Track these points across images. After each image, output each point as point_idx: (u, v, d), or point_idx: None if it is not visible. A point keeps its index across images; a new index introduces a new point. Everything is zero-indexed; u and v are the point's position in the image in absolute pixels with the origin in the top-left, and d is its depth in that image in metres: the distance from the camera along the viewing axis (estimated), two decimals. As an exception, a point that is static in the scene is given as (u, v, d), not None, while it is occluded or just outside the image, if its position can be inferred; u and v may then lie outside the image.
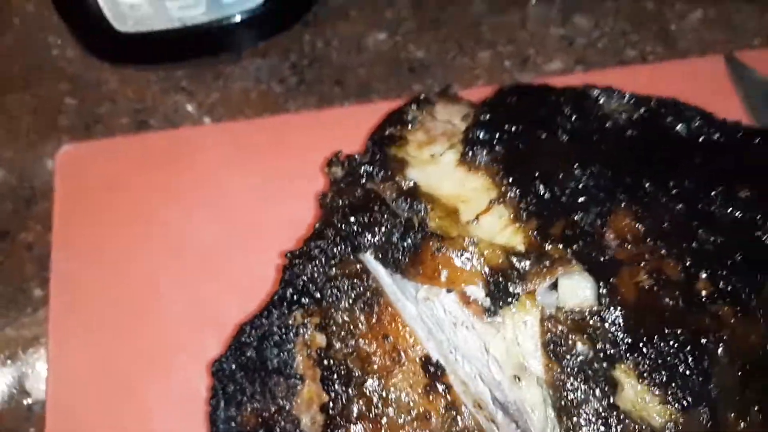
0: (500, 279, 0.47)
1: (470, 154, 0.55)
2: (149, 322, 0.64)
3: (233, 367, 0.51)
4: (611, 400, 0.44)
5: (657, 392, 0.44)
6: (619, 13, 0.83)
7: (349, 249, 0.51)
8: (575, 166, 0.53)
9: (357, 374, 0.48)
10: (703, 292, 0.47)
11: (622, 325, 0.45)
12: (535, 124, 0.56)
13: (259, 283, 0.62)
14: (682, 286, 0.47)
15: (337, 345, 0.49)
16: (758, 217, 0.51)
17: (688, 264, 0.48)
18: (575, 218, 0.50)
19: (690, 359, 0.44)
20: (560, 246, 0.49)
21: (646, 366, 0.44)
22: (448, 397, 0.47)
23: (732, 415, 0.43)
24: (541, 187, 0.52)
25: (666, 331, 0.45)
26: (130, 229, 0.69)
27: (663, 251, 0.48)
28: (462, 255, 0.48)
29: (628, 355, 0.45)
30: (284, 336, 0.51)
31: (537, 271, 0.47)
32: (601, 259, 0.48)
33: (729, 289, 0.47)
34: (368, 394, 0.47)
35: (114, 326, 0.64)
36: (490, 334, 0.47)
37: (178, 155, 0.72)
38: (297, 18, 0.84)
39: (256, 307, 0.53)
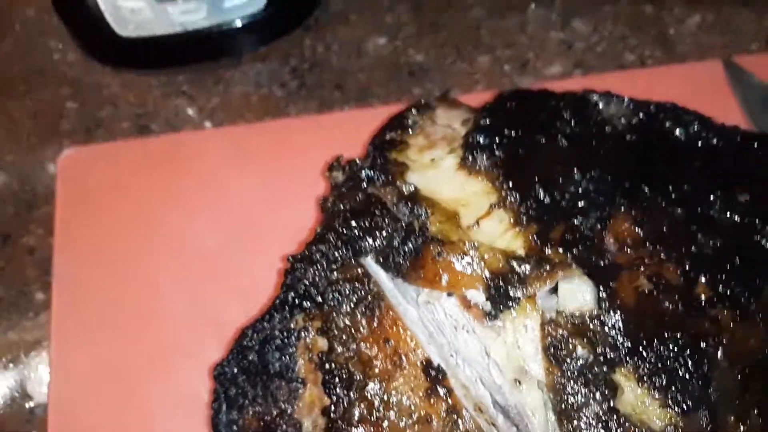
0: (501, 283, 0.48)
1: (470, 158, 0.55)
2: (151, 325, 0.64)
3: (235, 370, 0.51)
4: (611, 404, 0.44)
5: (657, 396, 0.44)
6: (618, 18, 0.83)
7: (351, 253, 0.52)
8: (575, 171, 0.53)
9: (358, 378, 0.48)
10: (703, 296, 0.47)
11: (622, 328, 0.46)
12: (535, 128, 0.56)
13: (260, 287, 0.62)
14: (682, 290, 0.47)
15: (339, 349, 0.49)
16: (757, 221, 0.51)
17: (687, 268, 0.48)
18: (575, 222, 0.51)
19: (690, 363, 0.44)
20: (560, 250, 0.49)
21: (646, 369, 0.44)
22: (449, 400, 0.48)
23: (732, 418, 0.44)
24: (541, 191, 0.52)
25: (666, 334, 0.45)
26: (131, 233, 0.69)
27: (662, 255, 0.49)
28: (462, 259, 0.49)
29: (628, 358, 0.45)
30: (286, 340, 0.51)
31: (537, 275, 0.48)
32: (601, 263, 0.49)
33: (728, 293, 0.47)
34: (369, 397, 0.48)
35: (116, 330, 0.64)
36: (490, 338, 0.47)
37: (180, 159, 0.73)
38: (297, 23, 0.84)
39: (257, 310, 0.54)
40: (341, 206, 0.54)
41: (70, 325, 0.65)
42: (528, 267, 0.48)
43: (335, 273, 0.51)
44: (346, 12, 0.85)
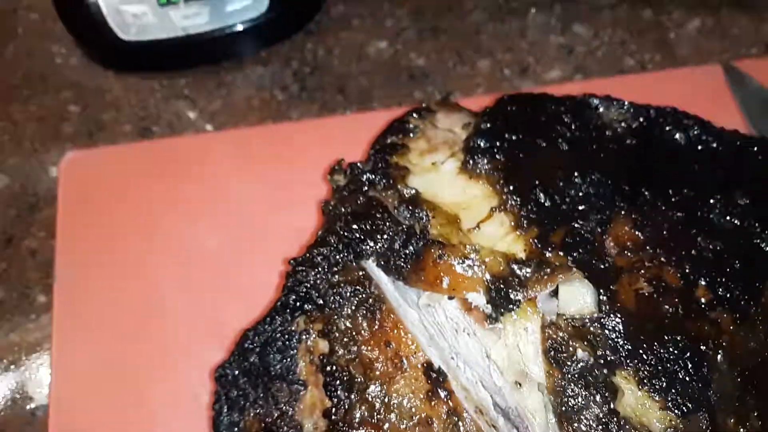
0: (501, 286, 0.48)
1: (471, 162, 0.55)
2: (152, 327, 0.65)
3: (236, 372, 0.51)
4: (611, 406, 0.44)
5: (657, 398, 0.44)
6: (618, 23, 0.83)
7: (352, 256, 0.52)
8: (575, 175, 0.53)
9: (359, 380, 0.48)
10: (703, 299, 0.48)
11: (622, 331, 0.46)
12: (536, 132, 0.57)
13: (261, 290, 0.62)
14: (682, 293, 0.48)
15: (340, 351, 0.49)
16: (757, 225, 0.51)
17: (687, 271, 0.49)
18: (575, 226, 0.51)
19: (689, 365, 0.45)
20: (561, 253, 0.49)
21: (646, 372, 0.45)
22: (450, 402, 0.48)
23: (731, 420, 0.44)
24: (542, 195, 0.52)
25: (666, 337, 0.46)
26: (132, 236, 0.69)
27: (662, 259, 0.49)
28: (463, 262, 0.49)
29: (628, 361, 0.45)
30: (287, 342, 0.51)
31: (538, 278, 0.48)
32: (601, 266, 0.49)
33: (728, 296, 0.48)
34: (370, 399, 0.48)
35: (117, 332, 0.65)
36: (491, 341, 0.48)
37: (181, 162, 0.73)
38: (299, 27, 0.85)
39: (258, 313, 0.54)
40: (342, 209, 0.55)
41: (71, 327, 0.65)
42: (528, 270, 0.48)
43: (336, 276, 0.52)
44: (347, 16, 0.86)
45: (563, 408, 0.45)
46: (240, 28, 0.80)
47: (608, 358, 0.45)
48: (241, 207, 0.70)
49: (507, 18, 0.85)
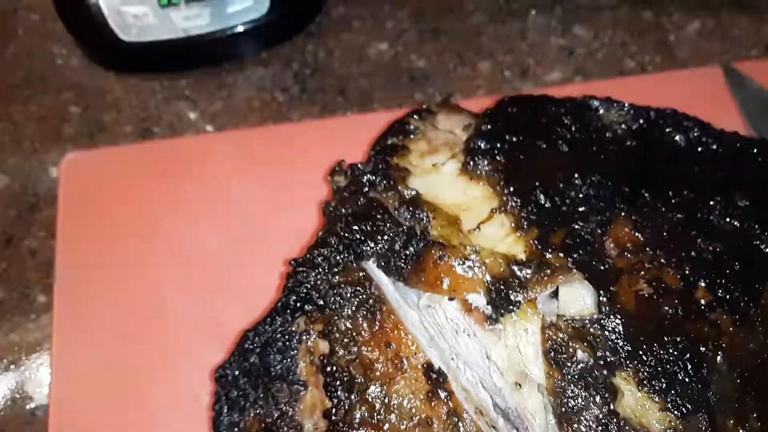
0: (501, 287, 0.48)
1: (471, 163, 0.55)
2: (152, 328, 0.65)
3: (236, 373, 0.51)
4: (611, 407, 0.44)
5: (657, 399, 0.44)
6: (618, 24, 0.83)
7: (352, 257, 0.52)
8: (575, 176, 0.53)
9: (360, 381, 0.48)
10: (702, 301, 0.48)
11: (622, 332, 0.46)
12: (536, 134, 0.57)
13: (262, 290, 0.62)
14: (682, 295, 0.48)
15: (340, 352, 0.49)
16: (756, 227, 0.51)
17: (687, 273, 0.49)
18: (575, 227, 0.51)
19: (689, 367, 0.45)
20: (561, 255, 0.50)
21: (645, 373, 0.45)
22: (450, 403, 0.48)
23: (731, 421, 0.44)
24: (542, 196, 0.53)
25: (665, 338, 0.46)
26: (133, 236, 0.69)
27: (662, 260, 0.49)
28: (464, 263, 0.49)
29: (628, 362, 0.45)
30: (287, 343, 0.51)
31: (538, 280, 0.48)
32: (601, 267, 0.49)
33: (728, 297, 0.48)
34: (371, 400, 0.48)
35: (117, 332, 0.65)
36: (491, 342, 0.48)
37: (182, 163, 0.73)
38: (300, 28, 0.85)
39: (259, 313, 0.54)
40: (343, 210, 0.55)
41: (71, 328, 0.65)
42: (529, 271, 0.48)
43: (337, 276, 0.52)
44: (348, 18, 0.86)
45: (563, 409, 0.45)
46: (241, 29, 0.80)
47: (608, 359, 0.45)
48: (242, 208, 0.70)
49: (507, 20, 0.85)
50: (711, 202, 0.53)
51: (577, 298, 0.48)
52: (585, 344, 0.46)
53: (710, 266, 0.49)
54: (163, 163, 0.73)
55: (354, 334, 0.50)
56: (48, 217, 0.73)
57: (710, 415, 0.44)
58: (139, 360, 0.63)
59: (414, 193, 0.54)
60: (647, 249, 0.50)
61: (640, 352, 0.45)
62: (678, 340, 0.45)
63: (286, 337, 0.51)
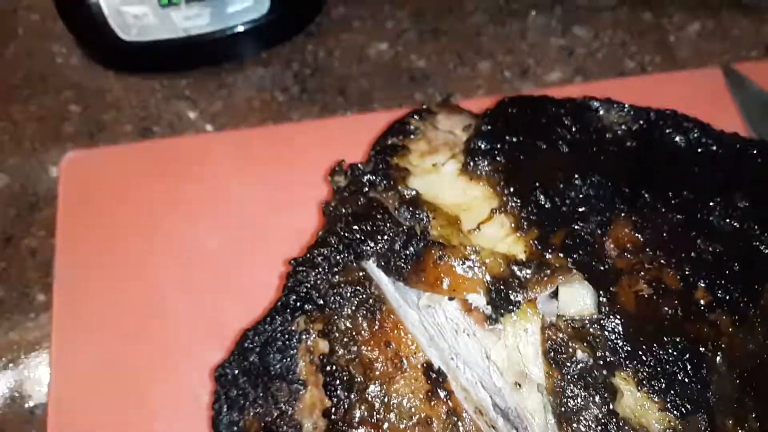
0: (501, 287, 0.48)
1: (472, 163, 0.55)
2: (152, 327, 0.65)
3: (236, 372, 0.51)
4: (611, 407, 0.44)
5: (656, 399, 0.44)
6: (618, 25, 0.84)
7: (352, 257, 0.52)
8: (575, 177, 0.53)
9: (359, 380, 0.48)
10: (702, 301, 0.48)
11: (621, 333, 0.46)
12: (536, 134, 0.57)
13: (262, 290, 0.62)
14: (681, 295, 0.48)
15: (340, 351, 0.49)
16: (756, 227, 0.51)
17: (686, 273, 0.49)
18: (575, 228, 0.51)
19: (689, 367, 0.45)
20: (561, 255, 0.50)
21: (645, 373, 0.45)
22: (450, 403, 0.48)
23: (730, 422, 0.44)
24: (542, 196, 0.53)
25: (665, 339, 0.46)
26: (133, 236, 0.69)
27: (662, 260, 0.49)
28: (464, 263, 0.49)
29: (627, 362, 0.45)
30: (287, 342, 0.51)
31: (538, 280, 0.48)
32: (601, 268, 0.49)
33: (727, 298, 0.48)
34: (370, 399, 0.48)
35: (116, 331, 0.65)
36: (491, 341, 0.48)
37: (181, 163, 0.73)
38: (300, 28, 0.85)
39: (259, 313, 0.54)
40: (343, 210, 0.55)
41: (70, 327, 0.65)
42: (529, 271, 0.48)
43: (337, 276, 0.52)
44: (348, 18, 0.86)
45: (563, 409, 0.45)
46: (241, 29, 0.80)
47: (608, 360, 0.45)
48: (242, 208, 0.70)
49: (507, 20, 0.85)
50: (711, 203, 0.53)
51: (577, 298, 0.48)
52: (585, 344, 0.46)
53: (710, 267, 0.49)
54: (163, 163, 0.73)
55: (354, 333, 0.50)
56: (48, 216, 0.73)
57: (709, 416, 0.44)
58: (139, 359, 0.63)
59: (414, 193, 0.54)
60: (647, 249, 0.50)
61: (640, 353, 0.45)
62: (677, 340, 0.45)
63: (286, 336, 0.51)
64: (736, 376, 0.45)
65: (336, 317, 0.50)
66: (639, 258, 0.50)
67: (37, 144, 0.79)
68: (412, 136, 0.60)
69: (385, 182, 0.55)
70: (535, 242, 0.51)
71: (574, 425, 0.44)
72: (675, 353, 0.45)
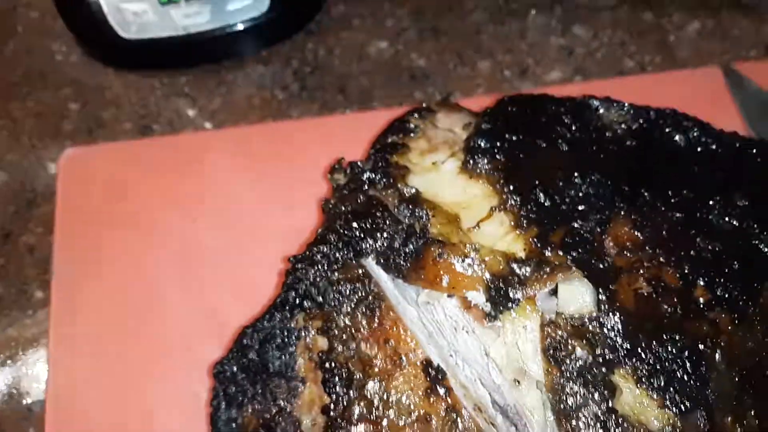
0: (501, 284, 0.48)
1: (471, 162, 0.55)
2: (150, 324, 0.65)
3: (235, 369, 0.51)
4: (610, 404, 0.44)
5: (655, 396, 0.44)
6: (618, 24, 0.84)
7: (351, 254, 0.52)
8: (575, 175, 0.53)
9: (358, 377, 0.48)
10: (701, 299, 0.48)
11: (621, 330, 0.46)
12: (536, 133, 0.57)
13: (260, 287, 0.62)
14: (680, 293, 0.48)
15: (339, 348, 0.49)
16: (755, 226, 0.51)
17: (686, 271, 0.49)
18: (575, 226, 0.51)
19: (688, 364, 0.45)
20: (560, 253, 0.50)
21: (644, 371, 0.45)
22: (449, 400, 0.48)
23: (729, 419, 0.44)
24: (542, 195, 0.53)
25: (664, 336, 0.46)
26: (131, 233, 0.69)
27: (661, 259, 0.49)
28: (463, 261, 0.49)
29: (626, 360, 0.45)
30: (286, 339, 0.51)
31: (537, 277, 0.48)
32: (601, 266, 0.49)
33: (726, 296, 0.48)
34: (369, 396, 0.48)
35: (114, 327, 0.65)
36: (490, 339, 0.48)
37: (181, 160, 0.73)
38: (300, 27, 0.85)
39: (257, 310, 0.54)
40: (342, 208, 0.55)
41: (68, 323, 0.65)
42: (528, 269, 0.48)
43: (336, 273, 0.52)
44: (348, 16, 0.86)
45: (562, 406, 0.45)
46: (241, 27, 0.80)
47: (607, 357, 0.46)
48: (241, 205, 0.70)
49: (507, 19, 0.85)
50: (710, 202, 0.53)
51: (577, 296, 0.48)
52: (584, 342, 0.46)
53: (709, 265, 0.49)
54: (162, 160, 0.73)
55: (353, 330, 0.50)
56: (46, 213, 0.73)
57: (708, 413, 0.44)
58: (137, 356, 0.63)
59: (414, 191, 0.54)
60: (646, 248, 0.50)
61: (639, 350, 0.45)
62: (677, 338, 0.45)
63: (285, 333, 0.51)
64: (735, 373, 0.45)
65: (335, 314, 0.50)
66: (638, 256, 0.50)
67: (36, 141, 0.79)
68: (411, 135, 0.60)
69: (384, 180, 0.55)
70: (535, 240, 0.51)
71: (573, 422, 0.44)
72: (674, 351, 0.45)
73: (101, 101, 0.81)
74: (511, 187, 0.53)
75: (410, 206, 0.53)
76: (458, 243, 0.50)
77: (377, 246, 0.52)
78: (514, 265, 0.49)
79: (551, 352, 0.46)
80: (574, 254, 0.49)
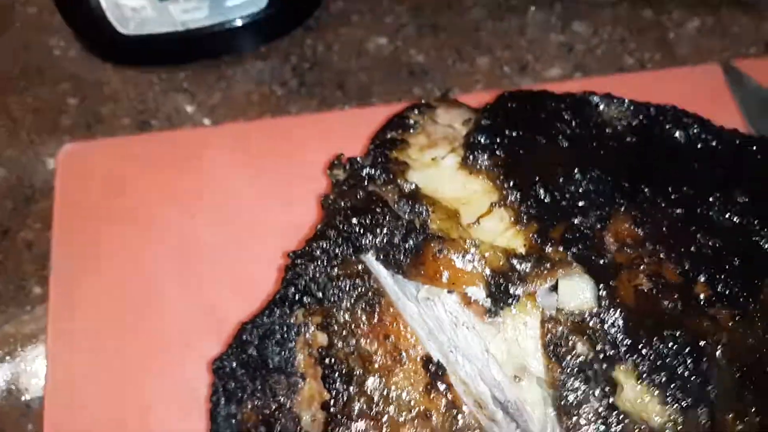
0: (501, 280, 0.48)
1: (471, 157, 0.55)
2: (149, 320, 0.64)
3: (234, 364, 0.51)
4: (611, 401, 0.44)
5: (656, 393, 0.44)
6: (618, 21, 0.84)
7: (351, 250, 0.52)
8: (575, 171, 0.53)
9: (358, 373, 0.48)
10: (702, 296, 0.48)
11: (621, 326, 0.46)
12: (536, 129, 0.57)
13: (260, 283, 0.62)
14: (681, 289, 0.48)
15: (339, 344, 0.49)
16: (755, 222, 0.51)
17: (686, 268, 0.49)
18: (575, 221, 0.51)
19: (689, 361, 0.45)
20: (560, 249, 0.49)
21: (645, 367, 0.45)
22: (449, 396, 0.48)
23: (730, 416, 0.44)
24: (542, 190, 0.52)
25: (665, 333, 0.46)
26: (129, 229, 0.69)
27: (662, 255, 0.49)
28: (463, 257, 0.49)
29: (627, 356, 0.45)
30: (285, 335, 0.51)
31: (537, 273, 0.48)
32: (601, 261, 0.49)
33: (727, 292, 0.48)
34: (369, 392, 0.48)
35: (113, 323, 0.64)
36: (490, 335, 0.48)
37: (180, 156, 0.73)
38: (298, 22, 0.85)
39: (257, 306, 0.54)
40: (342, 204, 0.55)
41: (66, 319, 0.65)
42: (528, 265, 0.48)
43: (336, 269, 0.51)
44: (346, 12, 0.86)
45: (562, 402, 0.45)
46: (239, 23, 0.80)
47: (608, 353, 0.45)
48: (240, 201, 0.70)
49: (506, 15, 0.85)
50: (710, 198, 0.53)
51: (577, 291, 0.47)
52: (584, 338, 0.46)
53: (710, 261, 0.49)
54: (161, 156, 0.73)
55: (353, 326, 0.50)
56: (44, 208, 0.73)
57: (710, 409, 0.44)
58: (136, 352, 0.63)
59: (413, 186, 0.54)
60: (647, 244, 0.50)
61: (640, 346, 0.45)
62: (677, 334, 0.45)
63: (285, 329, 0.51)
64: (736, 370, 0.45)
65: (335, 310, 0.50)
66: (639, 252, 0.50)
67: (34, 136, 0.78)
68: (411, 130, 0.60)
69: (384, 176, 0.55)
70: (535, 236, 0.50)
71: (574, 419, 0.44)
72: (675, 347, 0.45)
73: (99, 97, 0.81)
74: (511, 183, 0.53)
75: (410, 202, 0.52)
76: (458, 239, 0.50)
77: (377, 242, 0.52)
78: (515, 261, 0.49)
79: (552, 348, 0.46)
80: (574, 250, 0.49)
